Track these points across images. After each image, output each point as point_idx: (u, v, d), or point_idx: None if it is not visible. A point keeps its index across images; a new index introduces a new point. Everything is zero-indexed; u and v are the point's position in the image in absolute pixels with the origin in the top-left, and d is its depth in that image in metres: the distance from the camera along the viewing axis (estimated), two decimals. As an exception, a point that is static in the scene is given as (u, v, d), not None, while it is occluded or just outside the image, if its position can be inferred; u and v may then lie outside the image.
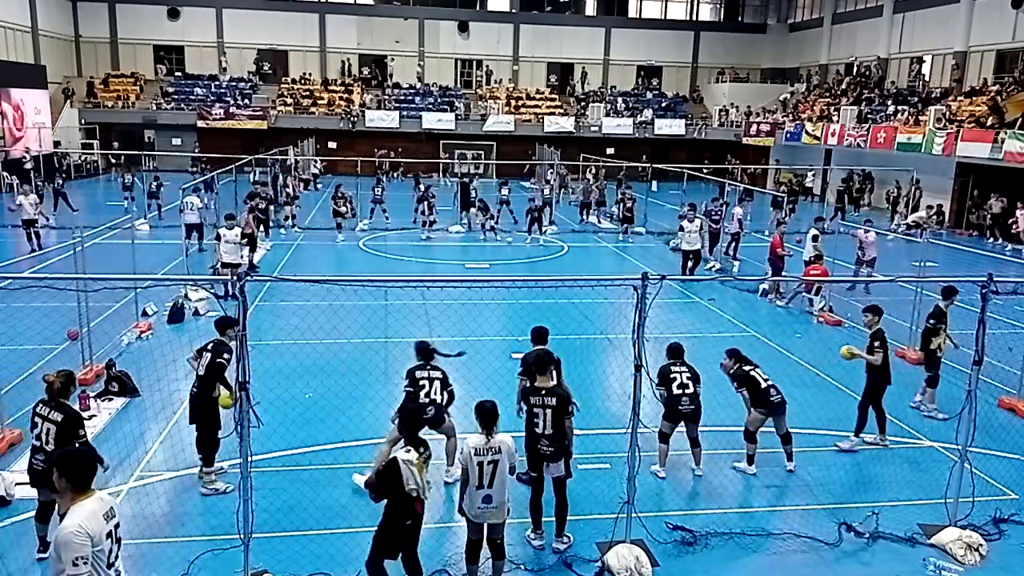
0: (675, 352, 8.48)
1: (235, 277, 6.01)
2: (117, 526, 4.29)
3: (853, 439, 9.17)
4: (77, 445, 6.27)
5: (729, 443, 9.00)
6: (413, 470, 5.68)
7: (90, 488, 4.21)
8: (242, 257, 15.79)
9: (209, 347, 7.91)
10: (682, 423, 8.32)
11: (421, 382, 7.82)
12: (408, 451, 5.75)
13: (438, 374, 7.88)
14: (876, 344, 9.12)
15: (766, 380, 8.50)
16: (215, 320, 8.26)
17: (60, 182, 27.41)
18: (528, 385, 7.15)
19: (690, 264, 18.60)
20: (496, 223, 23.96)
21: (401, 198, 29.15)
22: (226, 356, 7.83)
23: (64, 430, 6.25)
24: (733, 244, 20.50)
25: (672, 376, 8.25)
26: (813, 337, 14.05)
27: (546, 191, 28.59)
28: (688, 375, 8.29)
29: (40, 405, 6.38)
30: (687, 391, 8.19)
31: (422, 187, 27.29)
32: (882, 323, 9.42)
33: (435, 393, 7.80)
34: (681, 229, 18.86)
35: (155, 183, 25.62)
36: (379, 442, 8.71)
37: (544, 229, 25.43)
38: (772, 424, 8.55)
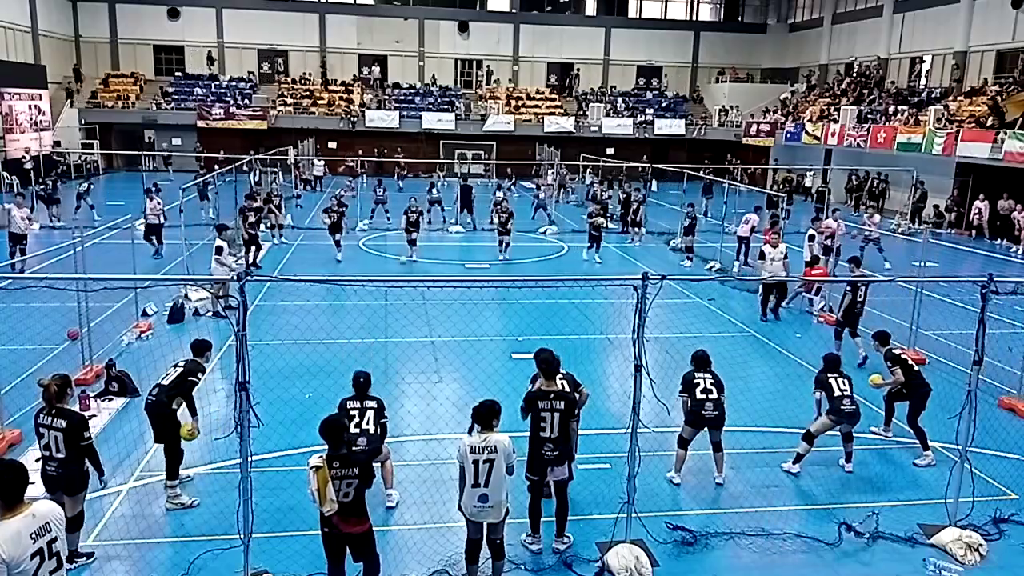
0: (700, 361, 8.43)
1: (235, 276, 5.99)
2: (53, 541, 4.11)
3: (927, 454, 9.00)
4: (83, 446, 6.31)
5: (728, 443, 8.98)
6: (313, 477, 5.57)
7: (21, 502, 4.07)
8: (240, 258, 15.72)
9: (182, 363, 7.85)
10: (704, 429, 8.26)
11: (351, 412, 7.43)
12: (320, 457, 5.65)
13: (372, 404, 7.50)
14: (890, 365, 9.22)
15: (707, 393, 8.25)
16: (191, 342, 8.16)
17: (43, 187, 25.56)
18: (535, 389, 7.02)
19: (772, 301, 15.01)
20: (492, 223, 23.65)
21: (400, 198, 29.12)
22: (199, 375, 7.80)
23: (71, 434, 6.27)
24: (743, 249, 19.98)
25: (696, 382, 8.23)
26: (813, 337, 14.05)
27: (542, 193, 28.47)
28: (712, 381, 8.27)
29: (41, 415, 6.36)
30: (711, 396, 8.16)
31: (435, 191, 27.00)
32: (883, 325, 9.43)
33: (367, 423, 7.39)
34: (762, 256, 15.36)
35: (154, 186, 25.44)
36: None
37: (544, 230, 25.41)
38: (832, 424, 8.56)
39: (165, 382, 7.70)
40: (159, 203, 20.02)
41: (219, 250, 14.39)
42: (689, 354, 8.64)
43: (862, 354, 12.30)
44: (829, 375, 8.66)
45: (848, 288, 12.54)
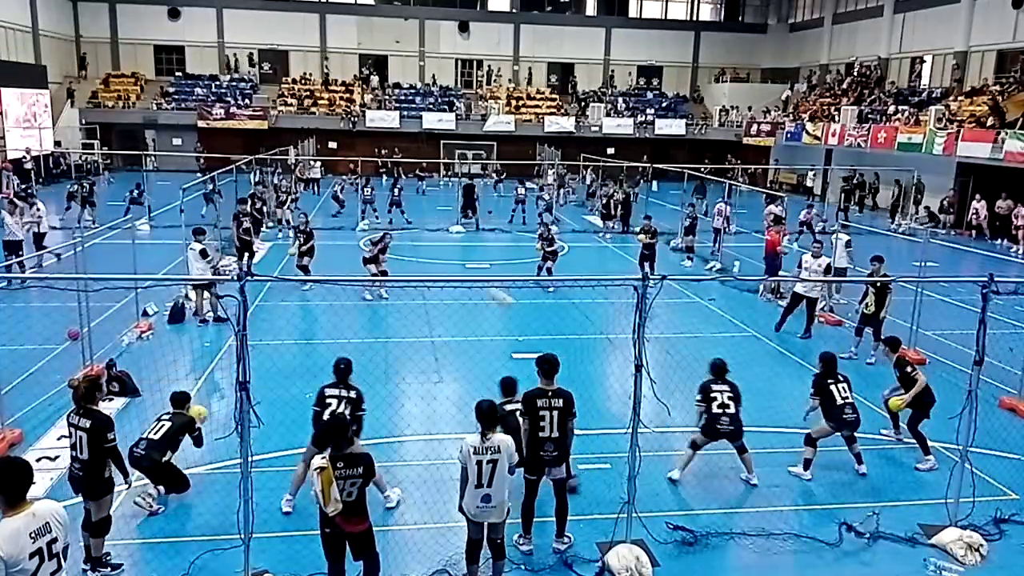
0: (718, 370, 8.37)
1: (235, 276, 5.97)
2: (53, 542, 4.10)
3: (928, 459, 8.94)
4: (106, 448, 6.29)
5: (725, 444, 8.98)
6: (316, 478, 5.57)
7: (24, 501, 4.07)
8: (236, 262, 15.58)
9: (167, 417, 7.68)
10: (720, 440, 8.24)
11: (328, 400, 7.41)
12: (323, 458, 5.65)
13: (351, 394, 7.48)
14: (909, 370, 9.10)
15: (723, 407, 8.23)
16: (171, 395, 7.94)
17: (31, 188, 24.79)
18: (533, 389, 6.95)
19: (795, 314, 13.99)
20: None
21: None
22: (196, 427, 7.74)
23: (94, 435, 6.27)
24: (719, 239, 20.86)
25: (713, 395, 8.16)
26: (813, 337, 14.03)
27: (546, 194, 28.47)
28: (729, 394, 8.19)
29: (71, 414, 6.43)
30: (727, 411, 8.11)
31: (396, 190, 26.56)
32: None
33: (343, 410, 7.34)
34: (798, 266, 14.71)
35: (136, 190, 24.97)
36: (379, 442, 8.74)
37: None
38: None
39: (155, 437, 7.52)
40: (39, 209, 18.34)
41: (204, 254, 13.66)
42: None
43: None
44: (828, 380, 8.55)
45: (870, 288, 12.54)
